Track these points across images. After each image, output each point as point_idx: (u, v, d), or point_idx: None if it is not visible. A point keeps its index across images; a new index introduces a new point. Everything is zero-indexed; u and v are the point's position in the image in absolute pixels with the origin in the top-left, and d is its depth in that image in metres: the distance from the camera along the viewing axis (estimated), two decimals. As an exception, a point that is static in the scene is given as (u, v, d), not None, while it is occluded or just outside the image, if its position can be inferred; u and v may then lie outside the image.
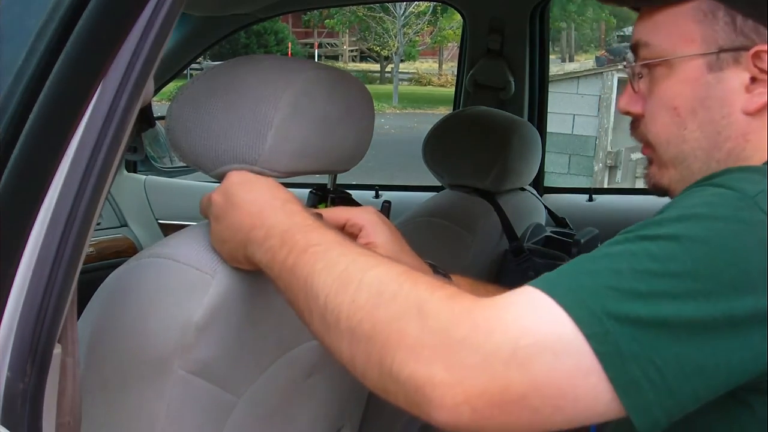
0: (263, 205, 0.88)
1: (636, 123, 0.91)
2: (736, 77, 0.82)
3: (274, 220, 0.86)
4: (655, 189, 0.92)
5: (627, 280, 0.68)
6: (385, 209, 1.12)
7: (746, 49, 0.81)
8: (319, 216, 0.92)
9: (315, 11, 17.36)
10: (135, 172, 2.59)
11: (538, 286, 0.70)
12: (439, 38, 19.13)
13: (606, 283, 0.68)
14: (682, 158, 0.87)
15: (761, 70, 0.81)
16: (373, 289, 0.75)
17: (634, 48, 0.89)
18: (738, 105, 0.82)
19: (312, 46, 21.82)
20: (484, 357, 0.68)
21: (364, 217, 0.99)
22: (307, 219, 0.86)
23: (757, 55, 0.81)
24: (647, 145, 0.90)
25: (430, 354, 0.69)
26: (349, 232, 0.97)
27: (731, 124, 0.83)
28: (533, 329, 0.68)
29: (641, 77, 0.89)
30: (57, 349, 0.71)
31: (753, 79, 0.82)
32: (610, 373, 0.66)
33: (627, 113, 0.91)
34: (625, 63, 0.91)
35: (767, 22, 0.81)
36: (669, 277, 0.67)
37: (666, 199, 0.94)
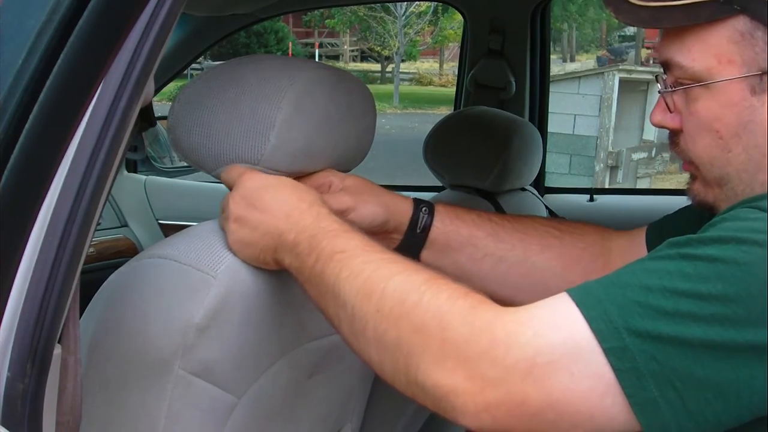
0: (291, 209, 0.88)
1: (675, 138, 0.87)
2: None
3: (302, 224, 0.87)
4: (700, 206, 0.89)
5: (655, 298, 0.67)
6: None
7: None
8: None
9: (315, 11, 17.36)
10: (135, 172, 2.59)
11: (572, 294, 0.71)
12: (440, 38, 19.12)
13: (634, 298, 0.68)
14: (727, 179, 0.83)
15: None
16: (396, 298, 0.75)
17: (665, 66, 0.85)
18: None
19: (312, 45, 21.81)
20: (503, 371, 0.69)
21: (326, 174, 1.02)
22: (333, 223, 0.86)
23: None
24: (689, 162, 0.87)
25: (453, 365, 0.71)
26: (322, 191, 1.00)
27: None
28: (551, 348, 0.68)
29: (674, 91, 0.84)
30: (57, 350, 0.71)
31: None
32: (627, 390, 0.67)
33: (662, 127, 0.88)
34: (657, 83, 0.87)
35: None
36: (697, 298, 0.66)
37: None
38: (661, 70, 0.88)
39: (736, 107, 0.80)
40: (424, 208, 1.06)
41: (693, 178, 0.88)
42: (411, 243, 1.06)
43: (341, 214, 0.98)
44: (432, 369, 0.72)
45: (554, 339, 0.69)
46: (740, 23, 0.78)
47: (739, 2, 0.77)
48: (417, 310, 0.74)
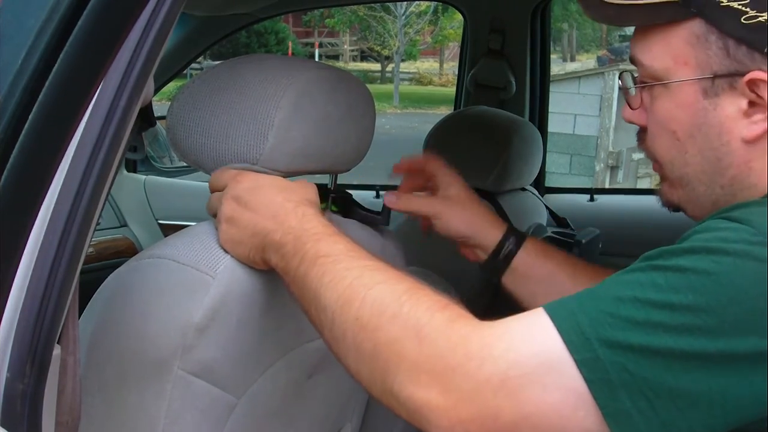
0: (277, 209, 0.89)
1: (642, 135, 0.89)
2: (732, 104, 0.79)
3: (287, 225, 0.87)
4: (667, 206, 0.90)
5: (626, 308, 0.68)
6: (383, 212, 1.12)
7: (741, 74, 0.77)
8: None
9: (315, 11, 17.36)
10: (135, 172, 2.59)
11: (547, 308, 0.71)
12: (440, 38, 19.10)
13: (606, 310, 0.68)
14: (686, 180, 0.84)
15: (759, 96, 0.77)
16: (375, 308, 0.76)
17: (633, 62, 0.87)
18: (736, 132, 0.79)
19: (312, 45, 21.81)
20: (476, 385, 0.69)
21: (439, 169, 1.12)
22: (318, 225, 0.87)
23: (753, 82, 0.77)
24: (655, 161, 0.88)
25: (427, 379, 0.71)
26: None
27: (732, 152, 0.80)
28: (523, 360, 0.69)
29: (637, 88, 0.86)
30: (56, 350, 0.71)
31: (751, 104, 0.78)
32: (600, 401, 0.67)
33: (630, 122, 0.90)
34: (619, 80, 0.90)
35: (765, 48, 0.76)
36: (668, 308, 0.67)
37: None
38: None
39: (690, 108, 0.81)
40: (512, 239, 1.11)
41: (662, 178, 0.89)
42: (493, 265, 1.12)
43: (425, 218, 1.07)
44: (407, 382, 0.72)
45: (527, 352, 0.69)
46: (696, 26, 0.79)
47: (696, 5, 0.78)
48: (395, 321, 0.74)
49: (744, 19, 0.76)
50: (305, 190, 0.93)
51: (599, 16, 0.86)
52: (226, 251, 0.91)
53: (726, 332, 0.65)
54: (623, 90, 0.89)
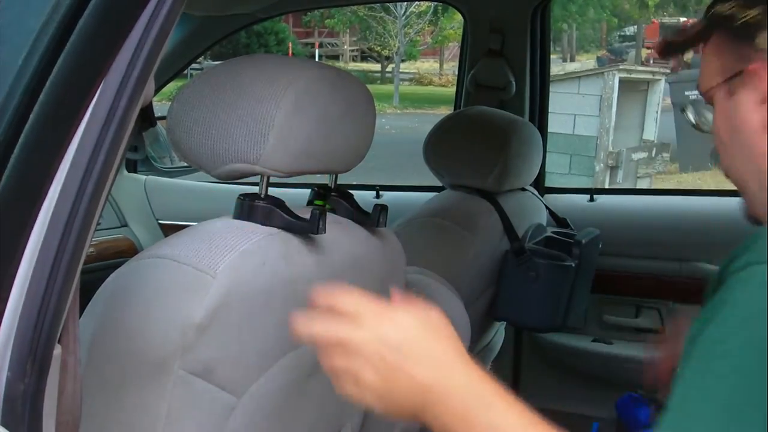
0: (439, 359, 0.79)
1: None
2: (748, 98, 0.85)
3: (453, 383, 0.78)
4: (749, 220, 0.91)
5: None
6: (382, 212, 1.12)
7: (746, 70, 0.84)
8: None
9: (315, 11, 17.36)
10: (135, 172, 2.59)
11: None
12: (440, 38, 19.10)
13: None
14: (741, 185, 0.89)
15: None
16: None
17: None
18: (754, 123, 0.84)
19: (313, 45, 21.80)
20: None
21: None
22: (486, 387, 0.77)
23: (752, 73, 0.83)
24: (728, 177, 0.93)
25: None
26: None
27: (756, 144, 0.84)
28: None
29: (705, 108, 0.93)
30: (57, 350, 0.71)
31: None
32: None
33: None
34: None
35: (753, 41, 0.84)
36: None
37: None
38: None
39: (722, 112, 0.89)
40: None
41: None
42: None
43: None
44: None
45: None
46: (716, 39, 0.89)
47: (712, 21, 0.89)
48: None
49: (737, 21, 0.85)
50: (447, 328, 0.82)
51: (662, 54, 0.98)
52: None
53: None
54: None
